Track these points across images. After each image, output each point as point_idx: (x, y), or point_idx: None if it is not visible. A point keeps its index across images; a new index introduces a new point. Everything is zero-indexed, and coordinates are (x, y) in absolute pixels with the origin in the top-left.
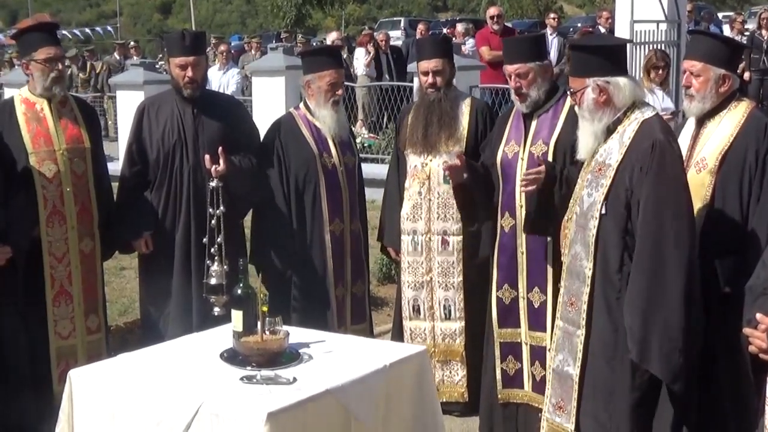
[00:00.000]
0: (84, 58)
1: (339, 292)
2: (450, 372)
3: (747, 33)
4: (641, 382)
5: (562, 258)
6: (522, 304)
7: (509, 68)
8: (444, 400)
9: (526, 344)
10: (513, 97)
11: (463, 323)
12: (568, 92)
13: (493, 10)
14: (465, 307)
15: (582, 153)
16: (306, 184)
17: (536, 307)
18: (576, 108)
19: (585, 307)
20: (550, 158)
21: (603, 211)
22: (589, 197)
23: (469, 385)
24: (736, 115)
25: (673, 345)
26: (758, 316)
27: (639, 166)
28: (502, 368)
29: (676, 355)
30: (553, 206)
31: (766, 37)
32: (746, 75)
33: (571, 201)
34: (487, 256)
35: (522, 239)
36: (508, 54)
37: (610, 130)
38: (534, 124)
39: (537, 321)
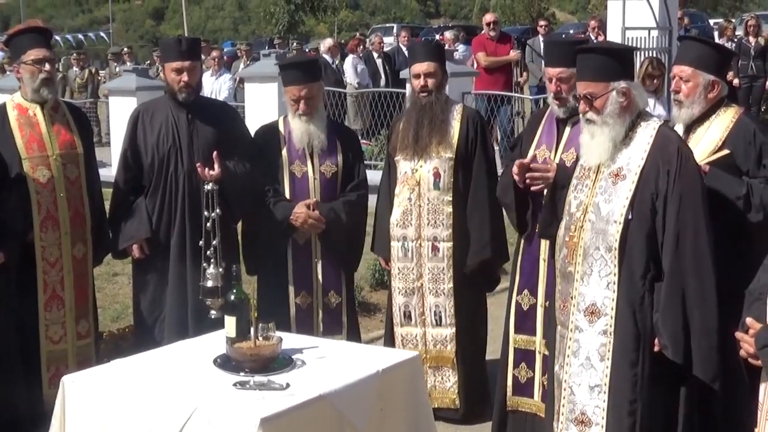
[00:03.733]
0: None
1: (302, 299)
2: (442, 378)
3: (735, 40)
4: (665, 385)
5: (556, 263)
6: (539, 312)
7: (551, 71)
8: (435, 405)
9: (540, 353)
10: (550, 100)
11: (454, 329)
12: (578, 97)
13: (489, 17)
14: (456, 314)
15: (595, 160)
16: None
17: None
18: (588, 114)
19: (613, 313)
20: None
21: (629, 217)
22: (607, 203)
23: (460, 392)
24: (725, 120)
25: (711, 343)
26: (748, 320)
27: (666, 170)
28: (514, 374)
29: (714, 353)
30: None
31: (753, 44)
32: (735, 81)
33: (576, 209)
34: (476, 264)
35: (545, 246)
36: (551, 57)
37: (623, 136)
38: (567, 130)
39: None
